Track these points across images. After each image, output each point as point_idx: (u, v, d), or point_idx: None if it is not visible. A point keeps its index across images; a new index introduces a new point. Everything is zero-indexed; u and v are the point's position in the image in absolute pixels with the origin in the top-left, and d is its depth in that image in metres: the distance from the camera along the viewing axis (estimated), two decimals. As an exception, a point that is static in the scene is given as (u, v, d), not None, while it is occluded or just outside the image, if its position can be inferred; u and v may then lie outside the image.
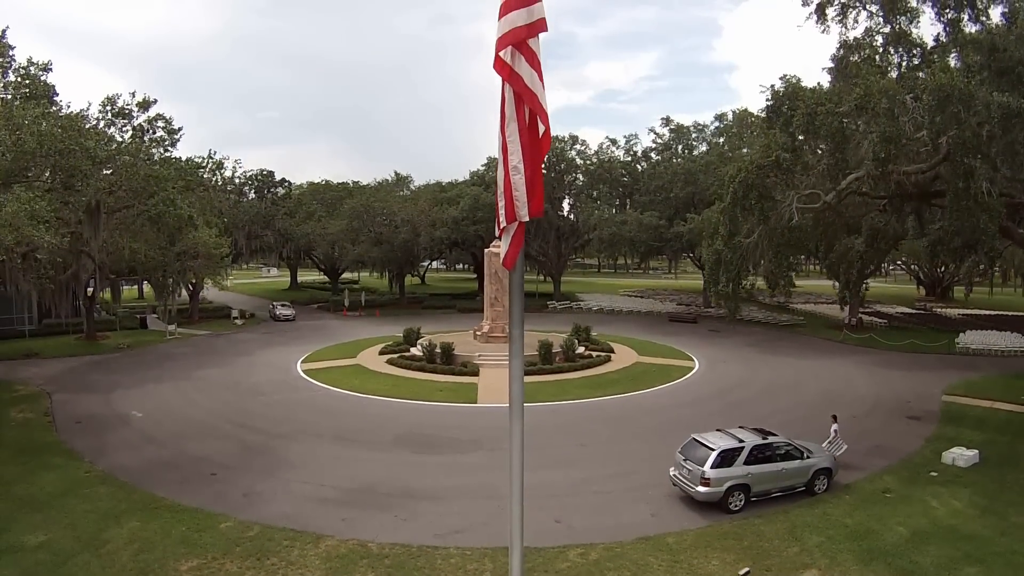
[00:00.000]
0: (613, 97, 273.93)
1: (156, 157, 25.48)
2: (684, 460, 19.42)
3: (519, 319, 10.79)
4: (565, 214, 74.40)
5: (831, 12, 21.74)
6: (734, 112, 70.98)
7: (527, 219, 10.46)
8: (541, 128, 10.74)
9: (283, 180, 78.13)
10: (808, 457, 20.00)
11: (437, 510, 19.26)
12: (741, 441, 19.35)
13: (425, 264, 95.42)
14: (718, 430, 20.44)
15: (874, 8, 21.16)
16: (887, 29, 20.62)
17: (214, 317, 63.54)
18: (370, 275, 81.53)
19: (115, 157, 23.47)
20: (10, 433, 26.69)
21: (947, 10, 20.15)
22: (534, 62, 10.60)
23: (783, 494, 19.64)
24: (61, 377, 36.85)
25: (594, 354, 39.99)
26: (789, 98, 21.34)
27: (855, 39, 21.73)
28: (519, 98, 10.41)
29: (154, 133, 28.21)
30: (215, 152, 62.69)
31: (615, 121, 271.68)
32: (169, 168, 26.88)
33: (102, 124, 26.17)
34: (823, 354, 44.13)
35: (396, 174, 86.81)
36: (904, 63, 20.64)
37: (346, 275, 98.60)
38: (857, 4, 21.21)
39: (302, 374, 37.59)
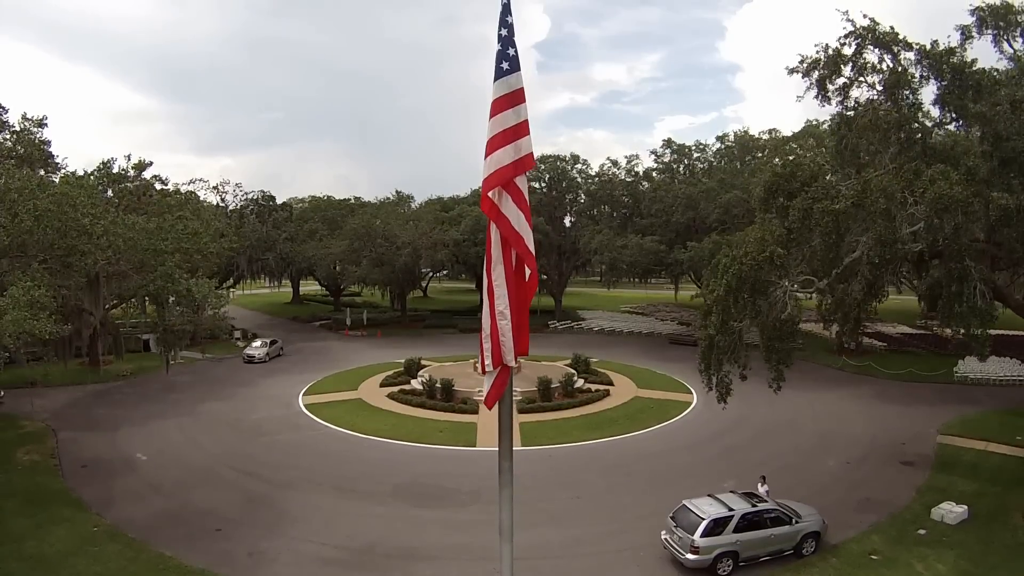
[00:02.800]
0: (616, 98, 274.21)
1: (154, 226, 25.68)
2: (675, 526, 19.88)
3: (508, 451, 11.27)
4: (567, 229, 74.73)
5: (832, 88, 22.04)
6: (736, 133, 71.45)
7: (513, 364, 10.96)
8: (527, 271, 11.23)
9: (284, 204, 78.82)
10: (797, 522, 20.44)
11: (434, 573, 19.78)
12: (731, 509, 19.81)
13: (427, 274, 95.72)
14: (709, 495, 20.90)
15: (875, 79, 21.35)
16: (889, 104, 20.80)
17: (216, 337, 64.06)
18: (371, 294, 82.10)
19: (111, 231, 23.77)
20: (18, 478, 27.23)
21: (952, 95, 20.39)
22: (521, 201, 11.08)
23: (771, 557, 20.10)
24: (66, 411, 37.40)
25: (593, 388, 40.45)
26: (787, 179, 21.66)
27: (856, 106, 21.86)
28: (505, 241, 10.90)
29: (150, 196, 28.59)
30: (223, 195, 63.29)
31: (619, 122, 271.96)
32: (166, 240, 27.11)
33: (98, 187, 26.38)
34: (821, 385, 44.43)
35: (397, 193, 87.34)
36: (904, 136, 20.80)
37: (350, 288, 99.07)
38: (860, 79, 21.43)
39: (304, 409, 38.12)
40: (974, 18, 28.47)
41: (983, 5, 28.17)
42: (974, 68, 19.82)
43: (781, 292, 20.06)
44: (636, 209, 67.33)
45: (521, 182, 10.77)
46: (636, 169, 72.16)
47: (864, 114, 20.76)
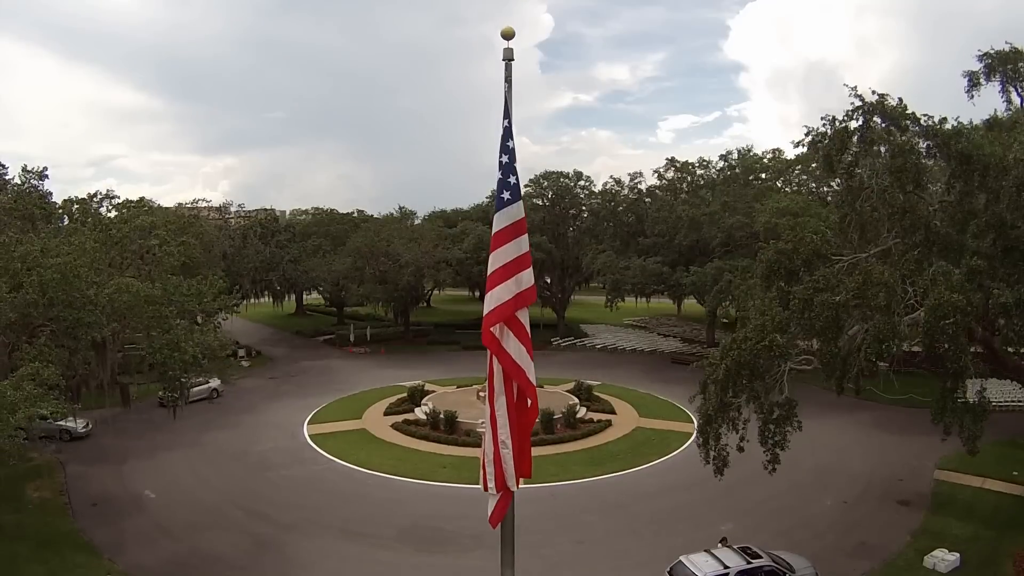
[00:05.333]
0: (620, 98, 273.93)
1: (158, 292, 25.92)
2: (673, 583, 20.36)
3: (510, 560, 11.72)
4: (570, 245, 74.97)
5: (836, 161, 22.29)
6: (740, 151, 71.31)
7: (515, 489, 11.40)
8: (529, 400, 11.61)
9: (287, 226, 79.63)
10: (791, 577, 20.91)
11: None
12: (726, 566, 20.33)
13: (430, 289, 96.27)
14: (705, 551, 21.38)
15: (882, 148, 21.51)
16: (894, 188, 20.93)
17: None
18: (374, 308, 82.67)
19: (116, 299, 24.14)
20: (30, 519, 27.71)
21: (957, 181, 20.64)
22: (522, 334, 11.47)
23: (767, 612, 20.57)
24: (73, 441, 37.79)
25: (595, 418, 40.89)
26: (788, 257, 22.09)
27: (862, 183, 22.00)
28: (507, 375, 11.30)
29: (153, 255, 28.91)
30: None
31: (622, 121, 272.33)
32: (170, 306, 27.33)
33: (100, 250, 26.62)
34: (821, 412, 44.32)
35: (401, 208, 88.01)
36: (909, 223, 21.04)
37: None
38: (867, 155, 21.61)
39: (309, 440, 38.62)
40: (982, 65, 28.68)
41: (992, 52, 28.44)
42: (982, 152, 19.90)
43: (779, 374, 20.50)
44: (639, 228, 67.56)
45: (523, 315, 11.10)
46: (640, 186, 72.34)
47: (868, 197, 20.92)
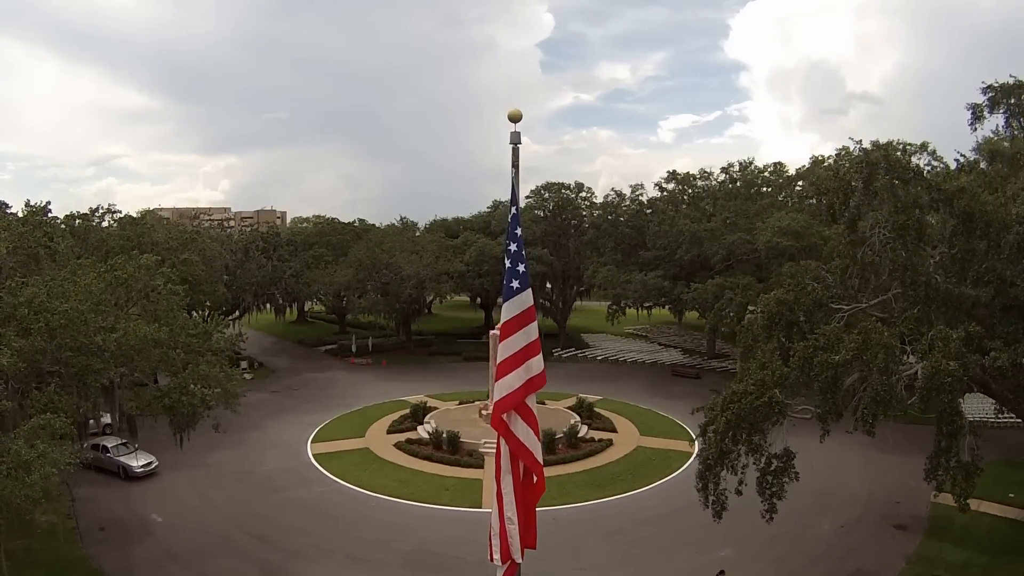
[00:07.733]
0: (621, 97, 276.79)
1: (164, 335, 26.23)
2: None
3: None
4: (571, 255, 75.24)
5: (839, 211, 22.70)
6: (741, 163, 71.46)
7: (520, 560, 11.91)
8: (535, 478, 12.13)
9: (289, 240, 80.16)
10: (788, 611, 21.29)
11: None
12: (724, 602, 20.68)
13: (432, 299, 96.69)
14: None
15: (884, 215, 21.83)
16: (896, 244, 21.25)
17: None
18: (376, 319, 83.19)
19: (123, 342, 24.47)
20: (39, 544, 27.96)
21: (959, 238, 21.01)
22: (530, 418, 11.92)
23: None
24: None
25: (596, 437, 41.19)
26: (789, 307, 22.47)
27: (864, 235, 22.32)
28: (514, 456, 11.79)
29: (159, 293, 29.25)
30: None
31: (623, 121, 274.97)
32: (177, 348, 27.62)
33: (106, 291, 26.91)
34: (819, 431, 45.01)
35: (402, 219, 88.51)
36: (909, 280, 21.44)
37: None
38: (870, 209, 21.93)
39: (312, 460, 38.97)
40: (985, 98, 29.00)
41: (996, 85, 28.81)
42: (985, 210, 20.21)
43: (779, 426, 20.95)
44: (640, 240, 67.82)
45: (531, 400, 11.54)
46: (641, 198, 72.50)
47: (872, 245, 21.25)
